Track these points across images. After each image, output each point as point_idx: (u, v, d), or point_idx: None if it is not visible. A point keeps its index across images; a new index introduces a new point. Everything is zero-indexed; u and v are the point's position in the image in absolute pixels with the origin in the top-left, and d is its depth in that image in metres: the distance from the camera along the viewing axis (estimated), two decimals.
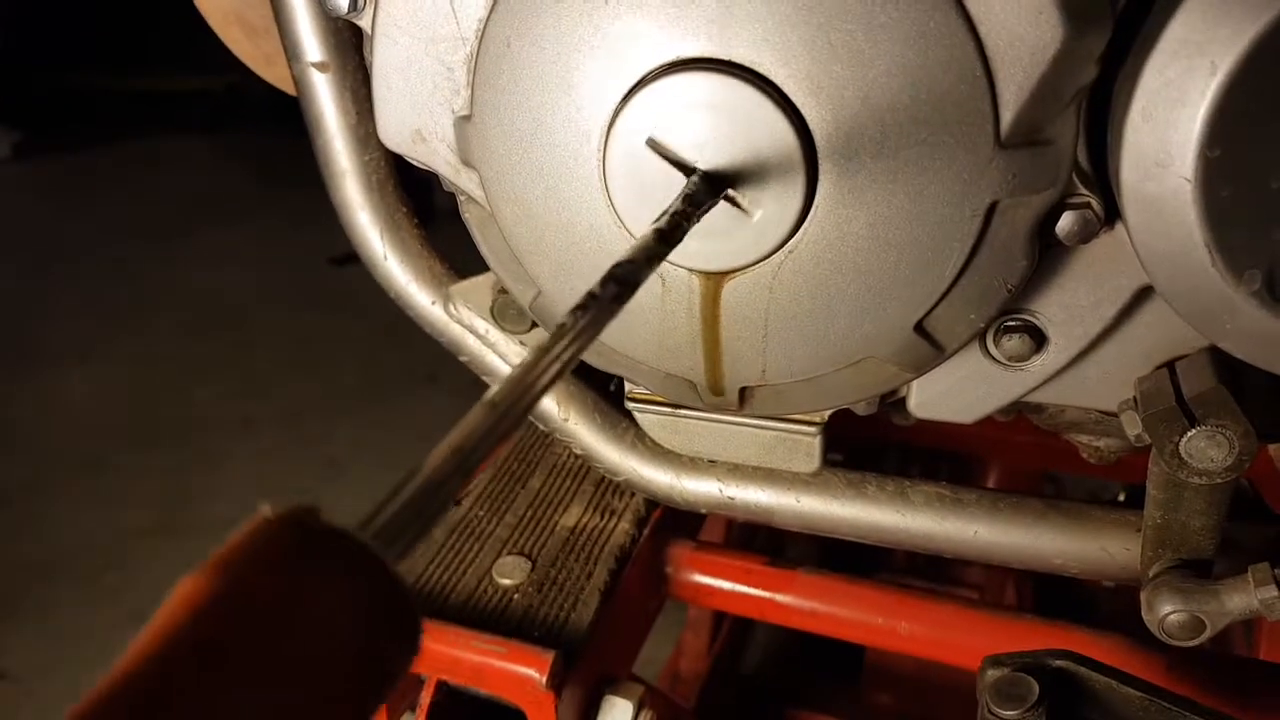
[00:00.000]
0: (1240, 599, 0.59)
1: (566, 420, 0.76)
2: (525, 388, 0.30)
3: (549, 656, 0.64)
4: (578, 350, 0.33)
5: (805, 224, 0.52)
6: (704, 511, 0.76)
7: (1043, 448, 1.25)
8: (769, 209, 0.51)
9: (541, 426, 0.77)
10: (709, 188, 0.47)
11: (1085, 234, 0.52)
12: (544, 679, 0.63)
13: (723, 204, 0.50)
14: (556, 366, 0.32)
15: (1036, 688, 0.55)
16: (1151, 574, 0.62)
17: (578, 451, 0.76)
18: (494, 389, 0.29)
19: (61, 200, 3.76)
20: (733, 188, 0.49)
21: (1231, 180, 0.45)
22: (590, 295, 0.36)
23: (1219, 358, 0.56)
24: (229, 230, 3.37)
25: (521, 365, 0.31)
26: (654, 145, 0.49)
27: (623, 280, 0.37)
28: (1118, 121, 0.47)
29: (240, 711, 0.21)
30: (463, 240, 0.67)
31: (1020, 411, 0.70)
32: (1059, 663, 0.57)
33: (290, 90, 0.73)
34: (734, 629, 1.51)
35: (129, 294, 2.97)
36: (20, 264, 3.20)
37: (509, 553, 0.75)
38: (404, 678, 0.24)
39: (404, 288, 0.75)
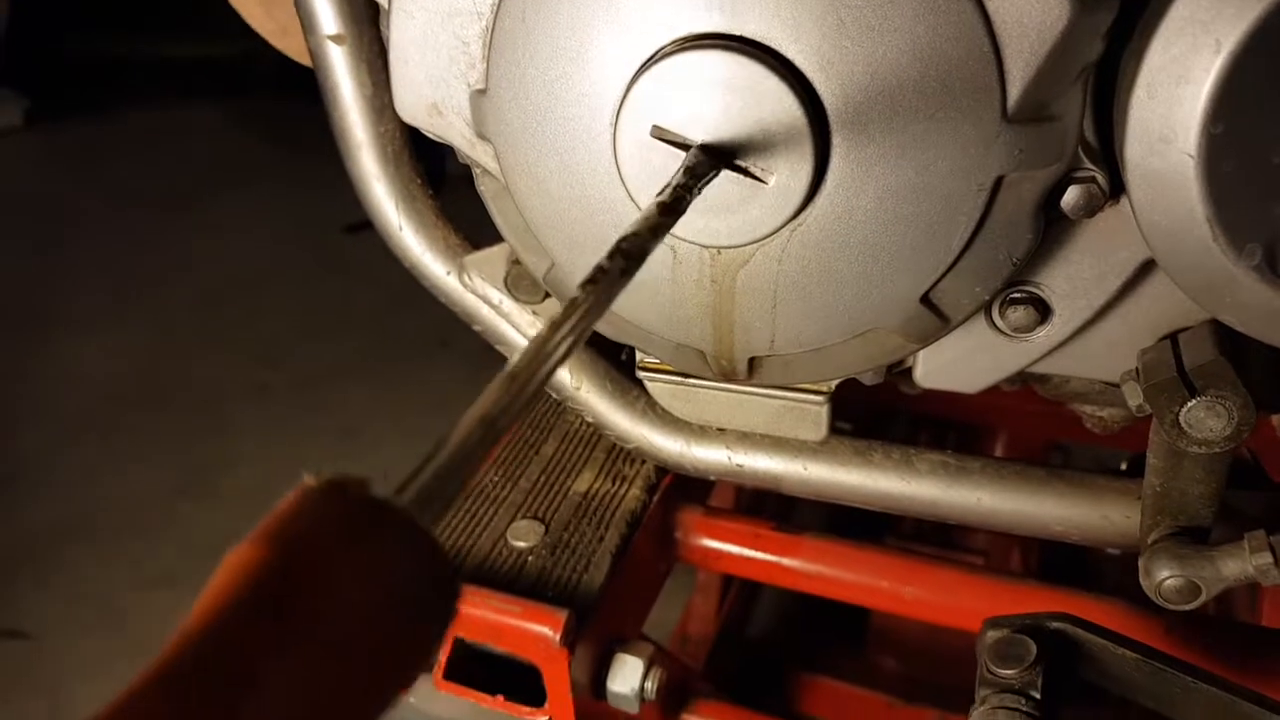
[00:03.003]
0: (1236, 565, 0.60)
1: (579, 389, 0.77)
2: (543, 359, 0.32)
3: (562, 615, 0.66)
4: (590, 322, 0.35)
5: (815, 198, 0.53)
6: (713, 478, 0.77)
7: (1050, 417, 1.26)
8: (779, 183, 0.52)
9: (555, 395, 0.79)
10: (711, 160, 0.48)
11: (1090, 208, 0.53)
12: (558, 637, 0.65)
13: (735, 179, 0.51)
14: (570, 338, 0.33)
15: (1034, 648, 0.57)
16: (1150, 540, 0.64)
17: (590, 420, 0.78)
18: (513, 360, 0.30)
19: (74, 167, 3.77)
20: (741, 161, 0.50)
21: (1234, 156, 0.46)
22: (599, 269, 0.37)
23: (1220, 330, 0.57)
24: (241, 197, 3.37)
25: (537, 338, 0.32)
26: (657, 131, 0.50)
27: (629, 253, 0.38)
28: (1123, 97, 0.48)
29: (300, 666, 0.22)
30: (474, 205, 0.68)
31: (1025, 382, 0.71)
32: (1057, 625, 0.59)
33: (305, 61, 0.74)
34: (742, 593, 1.54)
35: (142, 261, 2.98)
36: (34, 231, 3.22)
37: (523, 517, 0.77)
38: (445, 635, 0.26)
39: (419, 258, 0.76)
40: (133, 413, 2.29)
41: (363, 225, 2.89)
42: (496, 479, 0.81)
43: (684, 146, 0.50)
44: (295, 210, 3.21)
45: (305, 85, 0.73)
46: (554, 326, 0.33)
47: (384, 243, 0.77)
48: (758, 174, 0.50)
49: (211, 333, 2.61)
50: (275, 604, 0.22)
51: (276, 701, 0.21)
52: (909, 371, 0.67)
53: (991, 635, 0.59)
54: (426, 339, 2.42)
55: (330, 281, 2.80)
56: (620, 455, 0.82)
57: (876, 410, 1.44)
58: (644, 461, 0.81)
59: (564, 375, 0.77)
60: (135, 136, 3.97)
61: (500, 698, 0.70)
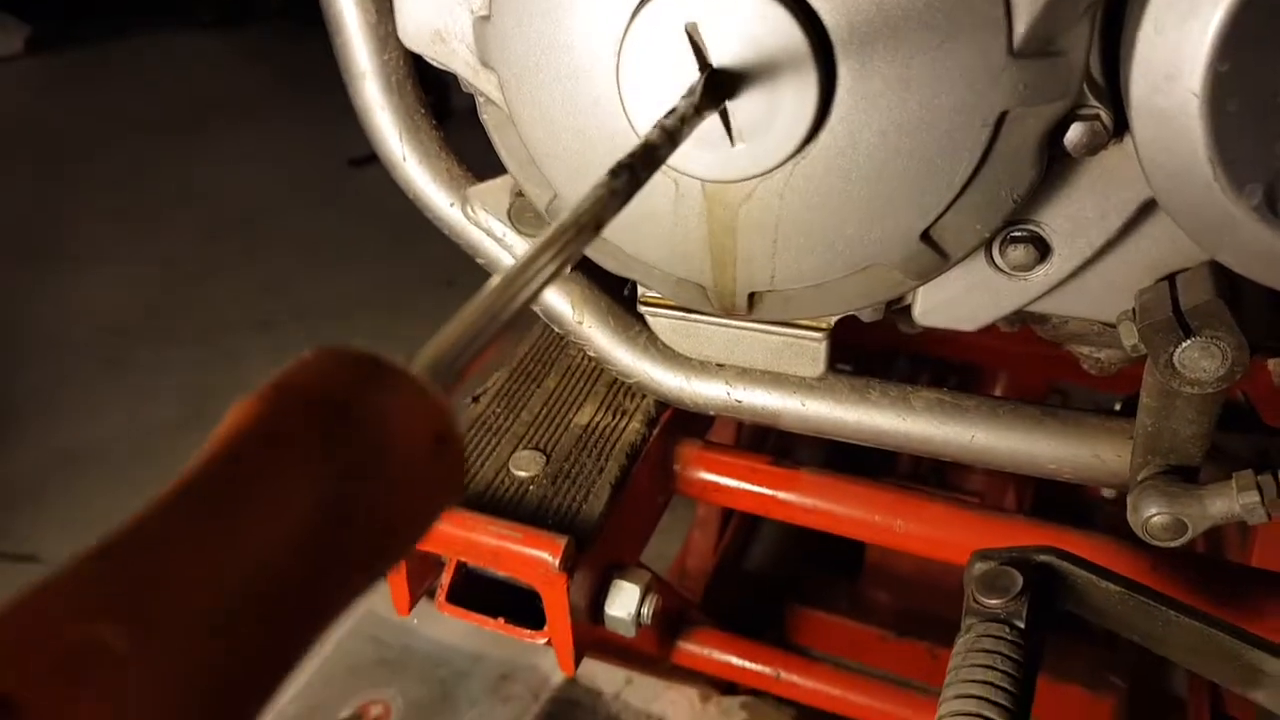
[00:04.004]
0: (1223, 504, 0.61)
1: (581, 323, 0.78)
2: (538, 264, 0.31)
3: (562, 541, 0.68)
4: (587, 236, 0.34)
5: (819, 132, 0.53)
6: (712, 413, 0.78)
7: (1049, 360, 1.27)
8: (784, 115, 0.52)
9: (557, 329, 0.79)
10: (716, 88, 0.48)
11: (1093, 146, 0.53)
12: (557, 562, 0.67)
13: (739, 112, 0.51)
14: (569, 248, 0.33)
15: (1020, 580, 0.59)
16: (1140, 478, 0.65)
17: (591, 354, 0.79)
18: (503, 270, 0.31)
19: (74, 95, 3.74)
20: (746, 91, 0.50)
21: (1238, 95, 0.46)
22: (598, 186, 0.37)
23: (1219, 272, 0.57)
24: (245, 128, 3.35)
25: (535, 242, 0.32)
26: (690, 31, 0.49)
27: (629, 172, 0.37)
28: (1130, 33, 0.48)
29: (300, 497, 0.22)
30: (479, 140, 0.68)
31: (1024, 322, 0.72)
32: (1043, 558, 0.60)
33: None
34: (740, 529, 1.56)
35: (144, 192, 2.97)
36: (36, 162, 3.20)
37: (525, 447, 0.78)
38: (452, 502, 0.26)
39: (422, 189, 0.76)
40: (136, 345, 2.30)
41: (367, 159, 2.87)
42: (500, 410, 0.82)
43: (704, 61, 0.49)
44: (299, 142, 3.19)
45: (307, 15, 0.72)
46: (560, 229, 0.33)
47: (388, 175, 0.77)
48: (764, 101, 0.50)
49: (215, 265, 2.61)
50: (279, 436, 0.22)
51: (277, 528, 0.21)
52: (908, 309, 0.68)
53: (979, 567, 0.60)
54: (432, 277, 2.42)
55: (334, 215, 2.79)
56: (621, 389, 0.83)
57: (877, 355, 1.45)
58: (644, 396, 0.82)
59: (566, 309, 0.78)
60: (136, 65, 3.93)
61: (501, 620, 0.72)
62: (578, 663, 0.73)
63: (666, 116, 0.44)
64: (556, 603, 0.69)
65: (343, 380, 0.24)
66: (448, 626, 1.49)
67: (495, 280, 0.29)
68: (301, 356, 0.24)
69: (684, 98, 0.46)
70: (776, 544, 1.66)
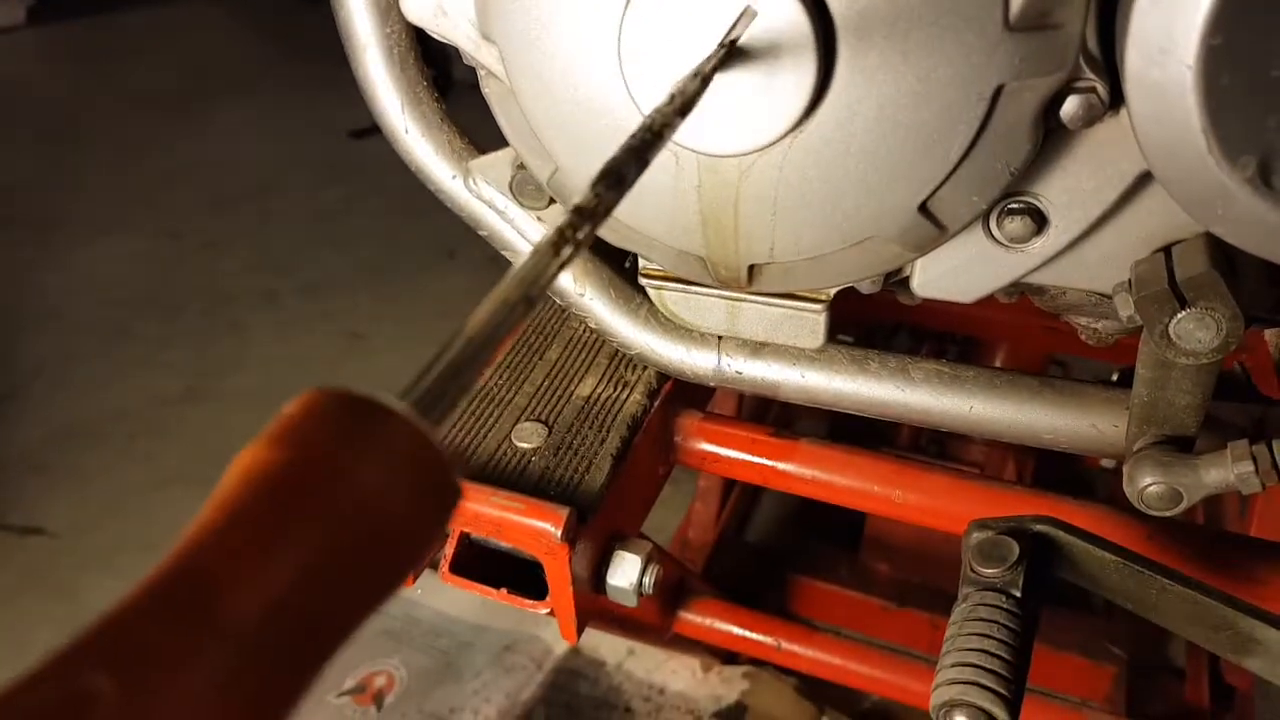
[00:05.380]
0: (1217, 473, 0.62)
1: (583, 295, 0.78)
2: (542, 268, 0.32)
3: (564, 512, 0.68)
4: (590, 231, 0.35)
5: (818, 106, 0.53)
6: (712, 385, 0.79)
7: (1048, 332, 1.27)
8: (784, 89, 0.52)
9: (559, 301, 0.80)
10: (719, 63, 0.48)
11: (1089, 118, 0.53)
12: (559, 532, 0.68)
13: (738, 86, 0.51)
14: (570, 248, 0.33)
15: (1017, 549, 0.59)
16: (1136, 448, 0.66)
17: (593, 326, 0.79)
18: (514, 268, 0.31)
19: (76, 66, 3.73)
20: (746, 65, 0.51)
21: (1231, 68, 0.46)
22: (599, 178, 0.37)
23: (1214, 243, 0.58)
24: (247, 99, 3.34)
25: (540, 245, 0.33)
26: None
27: (632, 157, 0.38)
28: (1125, 7, 0.48)
29: (304, 553, 0.24)
30: (481, 114, 0.68)
31: (1022, 293, 0.72)
32: (1040, 527, 0.61)
33: None
34: (741, 501, 1.57)
35: (147, 164, 2.97)
36: (39, 133, 3.20)
37: (527, 419, 0.79)
38: (445, 529, 0.28)
39: (424, 161, 0.76)
40: (141, 318, 2.31)
41: (368, 131, 2.87)
42: (502, 382, 0.83)
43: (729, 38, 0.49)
44: (301, 114, 3.18)
45: None
46: (559, 235, 0.33)
47: (390, 147, 0.77)
48: (764, 75, 0.50)
49: (218, 238, 2.62)
50: (284, 494, 0.24)
51: (283, 586, 0.23)
52: (907, 281, 0.68)
53: (976, 536, 0.61)
54: (433, 249, 2.43)
55: (337, 188, 2.79)
56: (622, 361, 0.84)
57: (878, 331, 1.46)
58: (645, 368, 0.83)
59: (568, 282, 0.78)
60: (138, 35, 3.91)
61: (504, 591, 0.73)
62: (580, 632, 0.74)
63: (668, 99, 0.44)
64: (559, 573, 0.70)
65: (337, 428, 0.26)
66: (451, 598, 1.50)
67: (479, 311, 0.30)
68: (295, 402, 0.26)
69: (691, 74, 0.46)
70: (777, 517, 1.67)
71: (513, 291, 0.30)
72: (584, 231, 0.33)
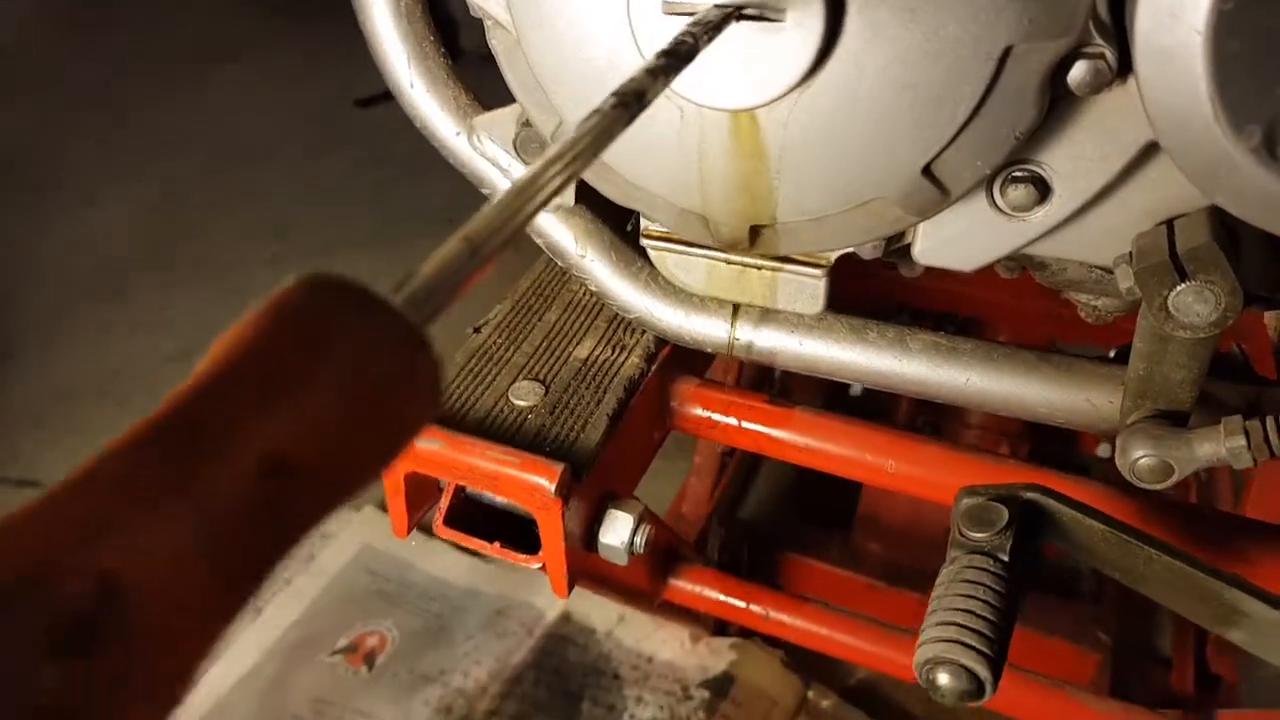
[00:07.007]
0: (1210, 447, 0.62)
1: (584, 257, 0.78)
2: (535, 188, 0.32)
3: (559, 468, 0.69)
4: (585, 160, 0.35)
5: (825, 61, 0.53)
6: (710, 350, 0.79)
7: (1047, 318, 1.27)
8: (790, 43, 0.52)
9: (560, 263, 0.80)
10: (723, 10, 0.48)
11: (1096, 85, 0.53)
12: (553, 488, 0.68)
13: (746, 40, 0.51)
14: (563, 173, 0.33)
15: (1006, 515, 0.60)
16: (1129, 422, 0.66)
17: (593, 288, 0.80)
18: (514, 179, 0.32)
19: (74, 33, 3.70)
20: (752, 19, 0.50)
21: (1241, 34, 0.46)
22: (598, 109, 0.37)
23: (1217, 216, 0.58)
24: (250, 66, 3.32)
25: (530, 168, 0.33)
26: (669, 9, 0.50)
27: (630, 96, 0.38)
28: None
29: (281, 429, 0.24)
30: (488, 84, 0.68)
31: (1023, 266, 0.72)
32: (1030, 495, 0.62)
33: None
34: (735, 476, 1.58)
35: (148, 130, 2.96)
36: (37, 99, 3.18)
37: (525, 378, 0.79)
38: (424, 420, 0.28)
39: (429, 117, 0.76)
40: (142, 280, 2.31)
41: (374, 99, 2.85)
42: (501, 341, 0.83)
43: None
44: (306, 81, 3.17)
45: None
46: (548, 160, 0.34)
47: (394, 116, 0.76)
48: (772, 16, 0.50)
49: (220, 203, 2.61)
50: (264, 364, 0.24)
51: (254, 454, 0.23)
52: (908, 249, 0.68)
53: (966, 501, 0.62)
54: (434, 216, 2.42)
55: (340, 155, 2.78)
56: (621, 325, 0.84)
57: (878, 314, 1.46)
58: (644, 332, 0.83)
59: (569, 242, 0.78)
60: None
61: (497, 545, 0.74)
62: (570, 588, 0.75)
63: (679, 38, 0.44)
64: (551, 528, 0.71)
65: (328, 306, 0.26)
66: (445, 561, 1.51)
67: (479, 215, 0.30)
68: (288, 283, 0.26)
69: (696, 22, 0.46)
70: (770, 495, 1.68)
71: (512, 199, 0.30)
72: (584, 145, 0.33)
